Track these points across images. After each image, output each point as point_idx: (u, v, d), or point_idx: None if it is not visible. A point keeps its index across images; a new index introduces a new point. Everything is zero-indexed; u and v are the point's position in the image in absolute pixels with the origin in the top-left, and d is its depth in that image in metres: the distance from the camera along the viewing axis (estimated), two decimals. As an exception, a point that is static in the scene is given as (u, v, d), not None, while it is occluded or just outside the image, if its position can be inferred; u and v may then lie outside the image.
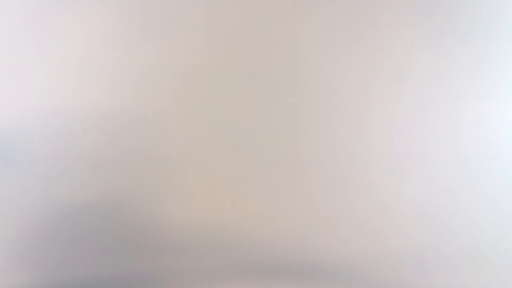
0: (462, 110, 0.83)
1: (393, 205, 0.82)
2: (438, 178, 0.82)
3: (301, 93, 0.82)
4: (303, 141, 0.82)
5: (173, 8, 0.82)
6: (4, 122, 0.79)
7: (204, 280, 0.80)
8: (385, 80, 0.83)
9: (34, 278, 0.78)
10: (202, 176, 0.81)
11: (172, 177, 0.81)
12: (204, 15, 0.82)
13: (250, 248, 0.81)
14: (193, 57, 0.82)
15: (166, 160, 0.81)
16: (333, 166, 0.82)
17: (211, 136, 0.82)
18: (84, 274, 0.79)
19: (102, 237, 0.80)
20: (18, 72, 0.80)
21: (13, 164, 0.79)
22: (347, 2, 0.83)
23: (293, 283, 0.80)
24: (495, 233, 0.81)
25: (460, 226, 0.82)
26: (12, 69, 0.80)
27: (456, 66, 0.83)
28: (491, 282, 0.80)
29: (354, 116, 0.82)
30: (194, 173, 0.81)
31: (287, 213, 0.82)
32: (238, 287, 0.80)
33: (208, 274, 0.80)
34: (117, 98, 0.80)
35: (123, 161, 0.80)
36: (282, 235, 0.81)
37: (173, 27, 0.82)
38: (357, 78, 0.82)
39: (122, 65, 0.80)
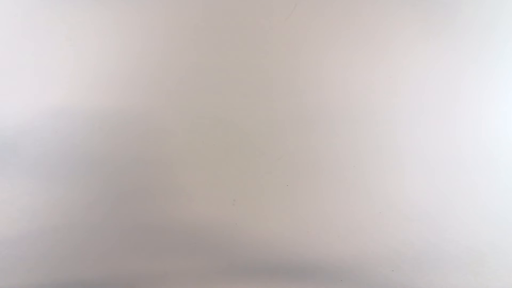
0: (461, 110, 0.83)
1: (393, 205, 0.82)
2: (438, 178, 0.82)
3: (301, 93, 0.82)
4: (303, 141, 0.82)
5: (173, 8, 0.82)
6: (4, 122, 0.79)
7: (204, 280, 0.80)
8: (385, 79, 0.83)
9: (34, 278, 0.78)
10: (202, 176, 0.81)
11: (172, 177, 0.81)
12: (204, 15, 0.82)
13: (250, 248, 0.81)
14: (193, 57, 0.82)
15: (166, 160, 0.81)
16: (333, 166, 0.82)
17: (211, 136, 0.82)
18: (84, 274, 0.79)
19: (102, 237, 0.80)
20: (18, 72, 0.80)
21: (13, 164, 0.79)
22: (347, 1, 0.83)
23: (293, 283, 0.80)
24: (495, 233, 0.81)
25: (460, 226, 0.82)
26: (12, 69, 0.80)
27: (455, 66, 0.83)
28: (491, 282, 0.80)
29: (354, 115, 0.82)
30: (194, 173, 0.81)
31: (287, 213, 0.82)
32: (238, 287, 0.80)
33: (208, 274, 0.80)
34: (117, 98, 0.80)
35: (123, 161, 0.80)
36: (282, 235, 0.81)
37: (173, 27, 0.82)
38: (357, 77, 0.82)
39: (122, 65, 0.80)
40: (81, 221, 0.80)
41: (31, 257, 0.79)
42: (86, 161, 0.80)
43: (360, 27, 0.82)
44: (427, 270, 0.80)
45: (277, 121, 0.82)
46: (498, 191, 0.82)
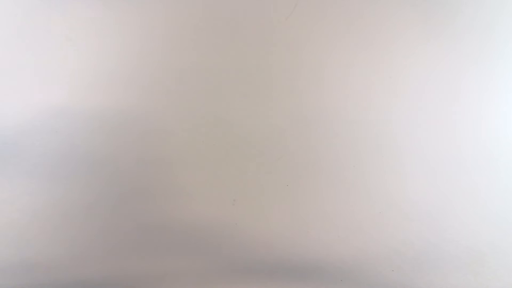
0: (461, 110, 0.83)
1: (393, 205, 0.82)
2: (438, 178, 0.82)
3: (301, 93, 0.82)
4: (303, 141, 0.82)
5: (173, 8, 0.82)
6: (4, 122, 0.79)
7: (204, 280, 0.80)
8: (385, 79, 0.83)
9: (34, 278, 0.78)
10: (202, 176, 0.81)
11: (172, 177, 0.81)
12: (204, 15, 0.82)
13: (250, 248, 0.81)
14: (193, 57, 0.82)
15: (166, 160, 0.81)
16: (333, 166, 0.82)
17: (211, 136, 0.82)
18: (84, 274, 0.79)
19: (102, 237, 0.80)
20: (18, 72, 0.80)
21: (13, 164, 0.79)
22: (347, 2, 0.83)
23: (293, 283, 0.80)
24: (495, 233, 0.81)
25: (460, 226, 0.82)
26: (12, 69, 0.80)
27: (455, 66, 0.83)
28: (491, 282, 0.80)
29: (354, 116, 0.82)
30: (194, 173, 0.81)
31: (287, 213, 0.82)
32: (238, 287, 0.80)
33: (208, 274, 0.80)
34: (117, 98, 0.80)
35: (123, 161, 0.80)
36: (282, 235, 0.81)
37: (173, 27, 0.82)
38: (357, 77, 0.82)
39: (122, 65, 0.80)
40: (81, 221, 0.80)
41: (31, 257, 0.79)
42: (86, 161, 0.80)
43: (360, 27, 0.82)
44: (427, 270, 0.80)
45: (277, 121, 0.82)
46: (498, 191, 0.82)
